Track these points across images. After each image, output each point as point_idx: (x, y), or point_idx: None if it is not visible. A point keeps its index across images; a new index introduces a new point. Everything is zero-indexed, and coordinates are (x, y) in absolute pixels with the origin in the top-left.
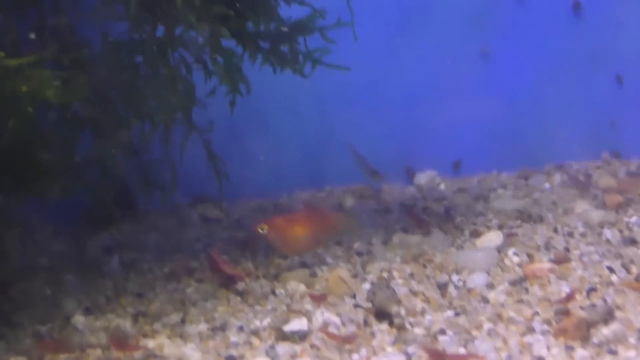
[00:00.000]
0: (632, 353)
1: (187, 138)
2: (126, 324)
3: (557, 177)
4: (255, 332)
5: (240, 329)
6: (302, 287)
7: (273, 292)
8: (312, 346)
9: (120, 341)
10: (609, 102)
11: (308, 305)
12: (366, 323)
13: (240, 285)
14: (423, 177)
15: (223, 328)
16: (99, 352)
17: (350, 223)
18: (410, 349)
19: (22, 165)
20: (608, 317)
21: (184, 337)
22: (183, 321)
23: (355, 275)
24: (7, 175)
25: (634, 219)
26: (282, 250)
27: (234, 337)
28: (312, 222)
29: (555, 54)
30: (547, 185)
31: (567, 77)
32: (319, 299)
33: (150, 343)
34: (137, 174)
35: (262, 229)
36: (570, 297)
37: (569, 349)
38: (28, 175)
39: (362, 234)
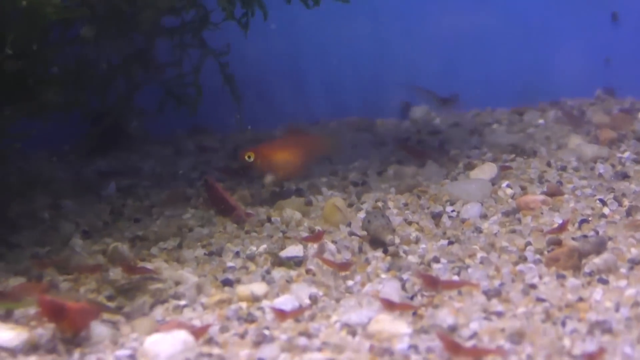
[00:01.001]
0: (623, 282)
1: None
2: (124, 247)
3: (552, 114)
4: (251, 258)
5: (237, 254)
6: (297, 215)
7: (269, 220)
8: (308, 271)
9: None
10: (604, 39)
11: (304, 233)
12: (361, 250)
13: (237, 215)
14: (418, 111)
15: (219, 253)
16: (94, 274)
17: (336, 144)
18: (405, 276)
19: (24, 79)
20: (600, 247)
21: (181, 261)
22: (180, 246)
23: (350, 205)
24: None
25: (626, 154)
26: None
27: (230, 262)
28: (298, 145)
29: None
30: (541, 121)
31: (562, 14)
32: (315, 239)
33: (148, 266)
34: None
35: (249, 157)
36: (562, 227)
37: (561, 277)
38: (30, 89)
39: (349, 155)
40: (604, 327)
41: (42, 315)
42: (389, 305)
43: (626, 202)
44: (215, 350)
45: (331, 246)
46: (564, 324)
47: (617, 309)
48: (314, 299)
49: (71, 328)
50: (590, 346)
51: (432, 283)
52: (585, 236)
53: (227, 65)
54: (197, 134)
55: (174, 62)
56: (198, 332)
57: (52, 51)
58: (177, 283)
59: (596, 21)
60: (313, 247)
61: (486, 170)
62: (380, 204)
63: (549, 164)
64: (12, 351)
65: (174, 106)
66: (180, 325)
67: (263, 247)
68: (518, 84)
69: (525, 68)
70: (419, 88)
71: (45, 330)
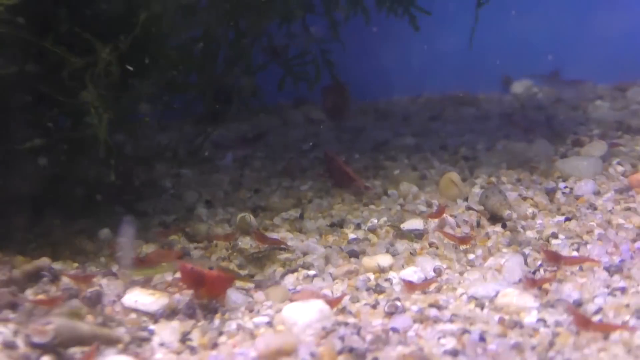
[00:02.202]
0: None
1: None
2: (251, 217)
3: None
4: (373, 230)
5: (358, 226)
6: (414, 189)
7: (386, 193)
8: (431, 244)
9: (247, 233)
10: None
11: (422, 207)
12: (479, 225)
13: (356, 187)
14: (519, 86)
15: (340, 224)
16: (224, 242)
17: None
18: (526, 250)
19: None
20: None
21: (303, 231)
22: (301, 217)
23: (464, 179)
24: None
25: None
26: None
27: (351, 233)
28: None
29: None
30: None
31: None
32: (437, 215)
33: (273, 236)
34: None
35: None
36: None
37: None
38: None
39: (458, 129)
40: None
41: (182, 282)
42: (531, 282)
43: None
44: (350, 320)
45: (450, 220)
46: None
47: None
48: (438, 272)
49: (209, 295)
50: None
51: (554, 258)
52: None
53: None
54: (302, 105)
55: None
56: (333, 302)
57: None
58: (305, 253)
59: None
60: (433, 220)
61: (597, 148)
62: (493, 179)
63: None
64: (152, 315)
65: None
66: (315, 295)
67: (383, 219)
68: (620, 59)
69: (629, 44)
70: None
71: (182, 296)
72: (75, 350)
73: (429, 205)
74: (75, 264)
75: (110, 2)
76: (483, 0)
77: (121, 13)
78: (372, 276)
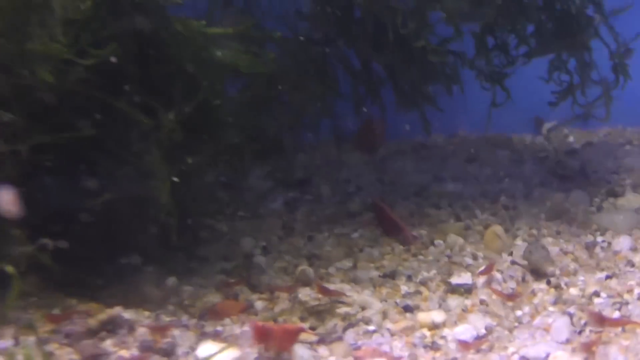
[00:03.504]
0: None
1: None
2: (311, 270)
3: None
4: (424, 283)
5: (409, 278)
6: (460, 240)
7: (432, 243)
8: (481, 302)
9: (306, 284)
10: None
11: (468, 259)
12: (524, 280)
13: (405, 237)
14: (550, 127)
15: (392, 276)
16: (286, 294)
17: None
18: (571, 309)
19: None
20: None
21: (357, 282)
22: (355, 266)
23: (506, 230)
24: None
25: None
26: None
27: (403, 285)
28: None
29: None
30: None
31: None
32: (487, 271)
33: (330, 287)
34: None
35: None
36: None
37: None
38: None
39: (495, 173)
40: None
41: (253, 337)
42: (583, 345)
43: None
44: None
45: (497, 276)
46: None
47: None
48: (489, 330)
49: (278, 348)
50: None
51: (599, 320)
52: None
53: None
54: (342, 142)
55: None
56: None
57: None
58: (363, 307)
59: None
60: (481, 275)
61: (632, 201)
62: (534, 231)
63: None
64: None
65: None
66: (378, 354)
67: (433, 272)
68: None
69: None
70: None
71: (252, 349)
72: None
73: (474, 257)
74: (147, 313)
75: (175, 70)
76: None
77: (185, 82)
78: (427, 333)
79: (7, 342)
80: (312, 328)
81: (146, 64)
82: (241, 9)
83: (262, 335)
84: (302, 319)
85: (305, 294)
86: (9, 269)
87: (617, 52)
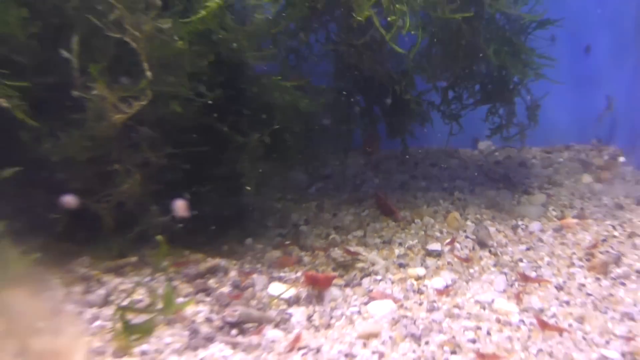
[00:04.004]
0: (633, 285)
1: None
2: (337, 236)
3: (566, 154)
4: (410, 248)
5: (400, 244)
6: (431, 220)
7: (413, 222)
8: (448, 263)
9: (335, 246)
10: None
11: (437, 233)
12: (474, 249)
13: (395, 217)
14: (483, 145)
15: (389, 242)
16: (322, 252)
17: None
18: (505, 270)
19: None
20: (617, 260)
21: (366, 245)
22: (364, 235)
23: (460, 215)
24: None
25: (619, 190)
26: None
27: (397, 249)
28: None
29: None
30: (561, 159)
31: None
32: (450, 243)
33: (351, 249)
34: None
35: None
36: (594, 245)
37: (597, 279)
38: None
39: (451, 174)
40: (629, 316)
41: (304, 281)
42: (516, 295)
43: (627, 228)
44: (408, 313)
45: (457, 245)
46: (606, 312)
47: (635, 304)
48: (453, 281)
49: (319, 289)
50: (623, 329)
51: (524, 278)
52: (607, 251)
53: None
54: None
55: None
56: (398, 301)
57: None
58: (372, 263)
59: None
60: (447, 244)
61: (539, 198)
62: (478, 216)
63: (572, 194)
64: (287, 301)
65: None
66: (385, 295)
67: (415, 241)
68: (547, 128)
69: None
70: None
71: (302, 289)
72: (249, 326)
73: (441, 232)
74: (234, 262)
75: (259, 107)
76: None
77: (266, 115)
78: (415, 282)
79: (146, 278)
80: (340, 276)
81: (240, 101)
82: (300, 70)
83: (310, 280)
84: (334, 270)
85: (335, 253)
86: (159, 237)
87: (531, 105)
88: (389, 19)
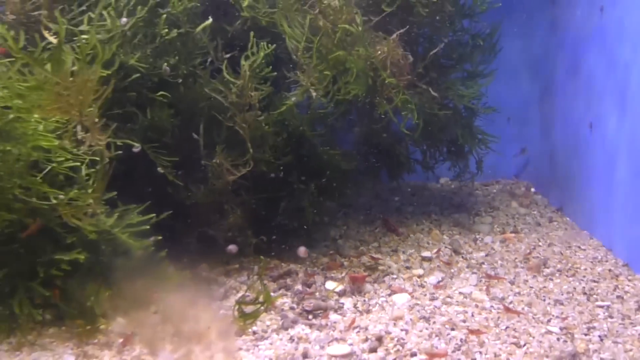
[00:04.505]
0: (558, 280)
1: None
2: (361, 247)
3: (497, 187)
4: (410, 255)
5: (403, 252)
6: (421, 235)
7: (409, 236)
8: (437, 266)
9: (362, 254)
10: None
11: (426, 244)
12: (451, 255)
13: (397, 233)
14: (443, 180)
15: (396, 251)
16: (356, 259)
17: None
18: (475, 270)
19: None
20: (545, 263)
21: (382, 253)
22: (379, 246)
23: (438, 231)
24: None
25: (535, 212)
26: None
27: (402, 255)
28: None
29: None
30: (494, 190)
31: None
32: (436, 252)
33: (375, 256)
34: None
35: None
36: (529, 253)
37: (535, 276)
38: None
39: (425, 204)
40: (559, 302)
41: (348, 280)
42: (486, 288)
43: (547, 240)
44: (418, 302)
45: (441, 253)
46: (544, 299)
47: (562, 293)
48: (442, 279)
49: (358, 285)
50: (558, 311)
51: (487, 276)
52: (537, 256)
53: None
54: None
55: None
56: (410, 293)
57: None
58: (388, 267)
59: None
60: (435, 253)
61: (487, 219)
62: (450, 232)
63: (507, 215)
64: (338, 293)
65: None
66: (400, 289)
67: (413, 250)
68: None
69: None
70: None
71: (346, 285)
72: (319, 312)
73: (429, 244)
74: (299, 266)
75: (316, 165)
76: None
77: (320, 170)
78: (417, 279)
79: (244, 278)
80: (369, 275)
81: (303, 163)
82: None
83: (351, 279)
84: (364, 271)
85: (363, 259)
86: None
87: (477, 162)
88: (402, 113)
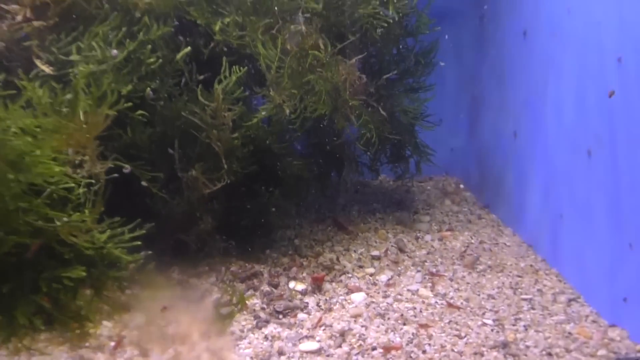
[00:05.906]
0: (490, 276)
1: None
2: (316, 246)
3: (431, 184)
4: (361, 254)
5: (355, 251)
6: (369, 234)
7: (358, 236)
8: (387, 264)
9: (319, 255)
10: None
11: (375, 243)
12: (397, 254)
13: (348, 232)
14: (381, 177)
15: (348, 250)
16: (314, 259)
17: None
18: (419, 268)
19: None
20: (478, 260)
21: (335, 252)
22: (333, 245)
23: (384, 230)
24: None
25: (465, 209)
26: None
27: (354, 254)
28: None
29: None
30: (429, 187)
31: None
32: (384, 250)
33: (324, 258)
34: None
35: None
36: (465, 251)
37: (470, 273)
38: None
39: (371, 199)
40: (492, 296)
41: (310, 280)
42: (431, 285)
43: (478, 237)
44: (373, 299)
45: (389, 251)
46: (479, 294)
47: (493, 288)
48: (391, 277)
49: (317, 284)
50: (491, 304)
51: (430, 273)
52: (471, 254)
53: None
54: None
55: None
56: (366, 291)
57: None
58: (344, 266)
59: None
60: (384, 252)
61: (425, 217)
62: (393, 231)
63: (442, 212)
64: (301, 293)
65: None
66: (356, 287)
67: (363, 249)
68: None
69: None
70: None
71: (308, 285)
72: (287, 312)
73: (377, 242)
74: (262, 266)
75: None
76: None
77: (282, 177)
78: (370, 278)
79: (213, 279)
80: (327, 274)
81: (267, 172)
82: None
83: (313, 279)
84: (322, 270)
85: (321, 259)
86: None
87: (417, 163)
88: (362, 131)
